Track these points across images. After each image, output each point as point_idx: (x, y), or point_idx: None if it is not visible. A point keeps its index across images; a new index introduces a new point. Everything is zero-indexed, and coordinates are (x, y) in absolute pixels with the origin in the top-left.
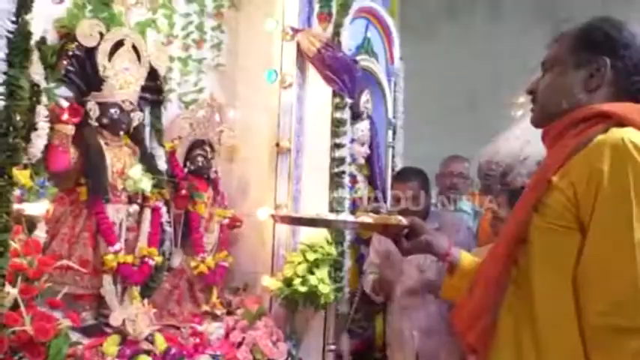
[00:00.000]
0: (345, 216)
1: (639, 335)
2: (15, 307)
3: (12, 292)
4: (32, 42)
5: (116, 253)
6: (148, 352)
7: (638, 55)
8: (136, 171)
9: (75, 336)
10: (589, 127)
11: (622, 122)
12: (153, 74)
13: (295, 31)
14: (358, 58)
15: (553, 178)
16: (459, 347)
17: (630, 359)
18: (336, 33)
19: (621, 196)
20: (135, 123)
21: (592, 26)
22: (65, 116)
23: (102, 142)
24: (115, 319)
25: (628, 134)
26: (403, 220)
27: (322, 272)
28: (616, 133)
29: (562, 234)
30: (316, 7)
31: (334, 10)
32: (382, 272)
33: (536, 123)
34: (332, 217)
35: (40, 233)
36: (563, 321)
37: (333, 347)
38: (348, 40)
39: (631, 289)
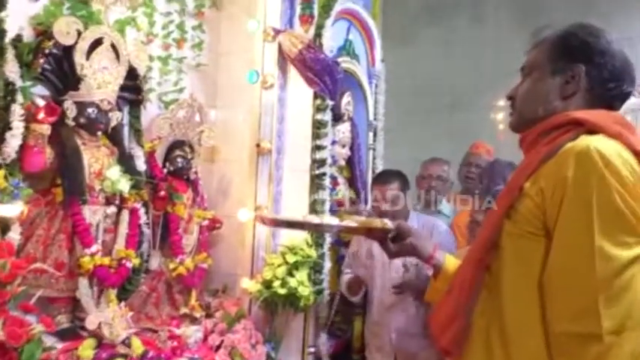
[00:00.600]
0: (330, 219)
1: (600, 342)
2: None
3: None
4: (7, 40)
5: (92, 255)
6: (124, 356)
7: (614, 62)
8: (114, 172)
9: (50, 340)
10: (562, 134)
11: (593, 129)
12: (132, 73)
13: (277, 32)
14: (340, 59)
15: (525, 184)
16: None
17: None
18: (318, 34)
19: (584, 203)
20: (113, 123)
21: (569, 33)
22: (41, 115)
23: (79, 142)
24: (90, 323)
25: (595, 142)
26: (389, 224)
27: (302, 274)
28: (583, 140)
29: (530, 240)
30: (298, 8)
31: (316, 12)
32: (353, 271)
33: (514, 128)
34: (319, 220)
35: (14, 235)
36: (530, 326)
37: (312, 349)
38: (330, 42)
39: (590, 297)
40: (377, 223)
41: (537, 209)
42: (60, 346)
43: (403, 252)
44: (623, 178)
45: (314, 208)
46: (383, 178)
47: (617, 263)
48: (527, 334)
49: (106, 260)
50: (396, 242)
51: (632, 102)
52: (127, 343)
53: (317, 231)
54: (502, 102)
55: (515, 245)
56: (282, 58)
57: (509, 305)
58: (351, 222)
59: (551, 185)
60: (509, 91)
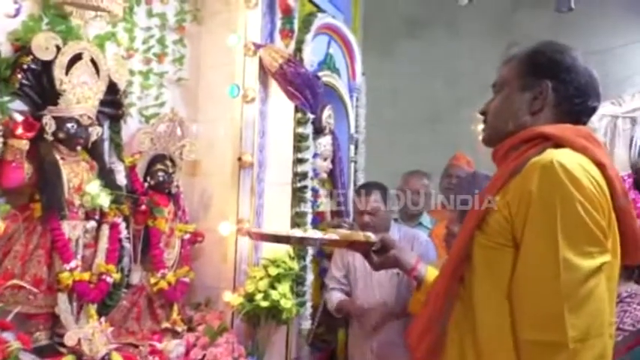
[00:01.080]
0: (314, 232)
1: (566, 349)
2: None
3: None
4: None
5: (72, 270)
6: None
7: (579, 78)
8: (94, 187)
9: (28, 358)
10: (529, 148)
11: (560, 143)
12: (112, 88)
13: (257, 46)
14: (320, 74)
15: (496, 198)
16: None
17: None
18: (298, 49)
19: (548, 216)
20: (93, 138)
21: (536, 51)
22: (19, 130)
23: (58, 157)
24: (69, 339)
25: (559, 156)
26: (372, 237)
27: (284, 287)
28: (548, 155)
29: (500, 251)
30: (278, 23)
31: (296, 27)
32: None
33: (486, 143)
34: (302, 234)
35: None
36: (501, 337)
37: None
38: (310, 56)
39: (556, 306)
40: (359, 236)
41: (505, 222)
42: None
43: (386, 264)
44: (586, 191)
45: (296, 221)
46: (364, 190)
47: (580, 273)
48: (499, 344)
49: (86, 275)
50: (380, 254)
51: (609, 109)
52: (107, 359)
53: (301, 244)
54: None
55: (486, 256)
56: (263, 72)
57: (481, 316)
58: (334, 235)
59: (517, 199)
60: (482, 106)
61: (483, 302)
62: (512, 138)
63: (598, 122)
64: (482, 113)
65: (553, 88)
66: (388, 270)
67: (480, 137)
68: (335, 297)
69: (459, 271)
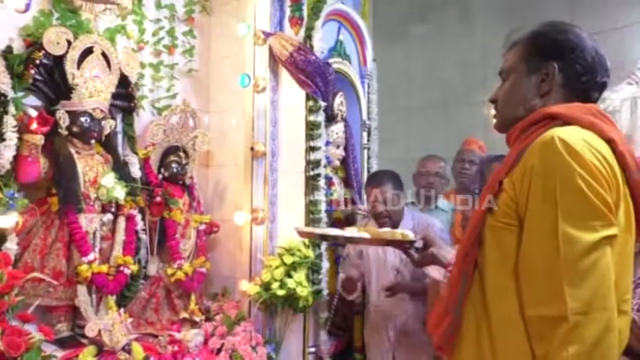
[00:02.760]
0: (360, 233)
1: (566, 322)
2: None
3: None
4: None
5: (90, 263)
6: None
7: (584, 56)
8: (109, 179)
9: (50, 348)
10: (538, 129)
11: (568, 122)
12: (124, 81)
13: (267, 35)
14: (331, 60)
15: (504, 179)
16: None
17: (559, 346)
18: (308, 36)
19: (548, 190)
20: (106, 131)
21: (538, 33)
22: (34, 126)
23: (73, 151)
24: (90, 330)
25: (560, 132)
26: (410, 235)
27: (300, 275)
28: (551, 131)
29: (507, 231)
30: (287, 10)
31: (305, 14)
32: (345, 272)
33: (499, 129)
34: (352, 233)
35: (11, 245)
36: (511, 317)
37: (312, 349)
38: (321, 43)
39: (557, 280)
40: (397, 235)
41: (511, 201)
42: (60, 354)
43: (425, 262)
44: (588, 165)
45: (310, 209)
46: (376, 179)
47: (580, 246)
48: (510, 324)
49: (104, 268)
50: (419, 252)
51: (628, 91)
52: (127, 349)
53: (347, 242)
54: None
55: (495, 238)
56: (274, 60)
57: (492, 297)
58: (365, 234)
59: (520, 176)
60: (492, 94)
61: (494, 283)
62: (522, 121)
63: (620, 105)
64: (493, 101)
65: (559, 68)
66: (403, 255)
67: (493, 123)
68: (340, 277)
69: (471, 254)
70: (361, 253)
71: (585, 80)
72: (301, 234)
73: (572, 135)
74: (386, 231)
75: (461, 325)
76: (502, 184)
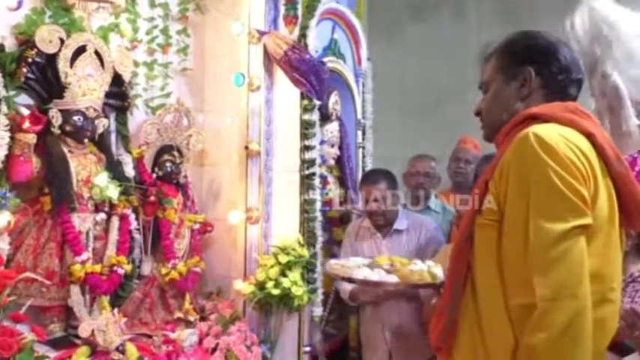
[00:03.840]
0: (390, 277)
1: (536, 309)
2: None
3: None
4: None
5: (83, 262)
6: None
7: (557, 57)
8: (102, 179)
9: (42, 349)
10: (520, 129)
11: (548, 120)
12: (117, 80)
13: (261, 33)
14: (325, 59)
15: (489, 180)
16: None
17: (529, 332)
18: (303, 35)
19: (522, 183)
20: (100, 130)
21: (511, 42)
22: (26, 124)
23: (65, 150)
24: (83, 330)
25: (536, 128)
26: (439, 275)
27: (295, 274)
28: (528, 128)
29: (491, 227)
30: (282, 9)
31: (300, 12)
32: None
33: (487, 138)
34: (381, 278)
35: (3, 245)
36: (499, 311)
37: (308, 349)
38: (315, 42)
39: (528, 270)
40: (426, 276)
41: (494, 198)
42: (53, 354)
43: None
44: (562, 158)
45: (304, 208)
46: (371, 178)
47: (549, 236)
48: (498, 320)
49: (98, 267)
50: None
51: None
52: (121, 349)
53: (376, 287)
54: None
55: (483, 235)
56: (268, 59)
57: (482, 294)
58: (393, 277)
59: (499, 174)
60: (475, 107)
61: (482, 280)
62: (506, 125)
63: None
64: (477, 114)
65: (536, 71)
66: (398, 252)
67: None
68: (347, 286)
69: (463, 253)
70: (357, 252)
71: (562, 79)
72: (329, 274)
73: (547, 130)
74: (414, 271)
75: (457, 325)
76: (488, 184)
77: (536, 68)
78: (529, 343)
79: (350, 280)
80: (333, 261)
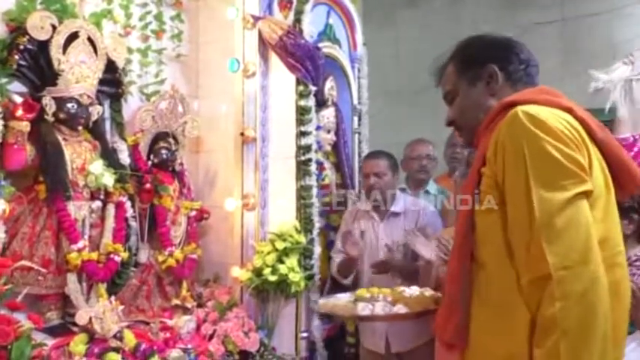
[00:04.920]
0: (399, 308)
1: (551, 280)
2: None
3: None
4: None
5: (80, 250)
6: (117, 350)
7: (513, 49)
8: (97, 166)
9: (40, 337)
10: (500, 119)
11: (526, 104)
12: (111, 66)
13: (256, 19)
14: (321, 45)
15: (482, 169)
16: (428, 328)
17: (547, 303)
18: (297, 20)
19: (518, 159)
20: (94, 117)
21: (465, 46)
22: (19, 112)
23: (60, 137)
24: (81, 318)
25: (522, 107)
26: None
27: (292, 261)
28: (514, 109)
29: (494, 213)
30: None
31: None
32: (346, 251)
33: (469, 143)
34: (389, 311)
35: None
36: (514, 294)
37: (305, 334)
38: (310, 27)
39: (538, 242)
40: (431, 304)
41: (491, 180)
42: (51, 342)
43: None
44: (554, 130)
45: (301, 194)
46: (373, 154)
47: (553, 205)
48: (514, 302)
49: (94, 255)
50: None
51: (622, 70)
52: (119, 336)
53: (385, 321)
54: None
55: (485, 221)
56: (263, 45)
57: (494, 279)
58: (402, 307)
59: (493, 155)
60: (446, 119)
61: (494, 266)
62: (485, 120)
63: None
64: (450, 123)
65: (499, 67)
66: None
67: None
68: (337, 259)
69: (467, 243)
70: (362, 234)
71: (525, 67)
72: (335, 316)
73: (534, 108)
74: (420, 297)
75: (470, 317)
76: (480, 172)
77: (499, 64)
78: (547, 314)
79: (360, 318)
80: (321, 301)
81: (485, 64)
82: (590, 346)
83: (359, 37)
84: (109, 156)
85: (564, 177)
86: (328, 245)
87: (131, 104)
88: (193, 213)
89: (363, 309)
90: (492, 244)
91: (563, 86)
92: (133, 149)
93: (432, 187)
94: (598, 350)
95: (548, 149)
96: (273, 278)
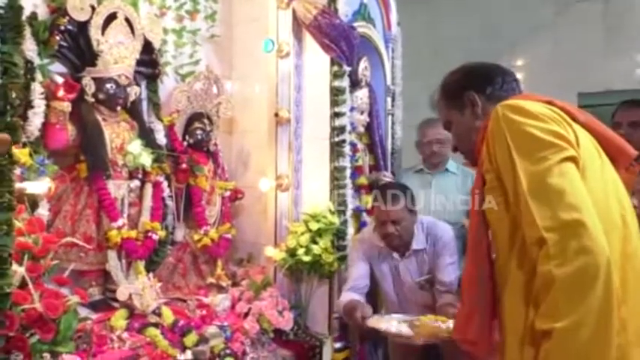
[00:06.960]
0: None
1: (544, 243)
2: (23, 285)
3: (19, 270)
4: (23, 17)
5: (119, 228)
6: (156, 325)
7: (481, 73)
8: (135, 146)
9: (83, 311)
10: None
11: None
12: (147, 47)
13: None
14: (355, 24)
15: (485, 175)
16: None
17: (542, 263)
18: None
19: (503, 146)
20: (132, 97)
21: (446, 84)
22: (61, 93)
23: (99, 117)
24: (121, 294)
25: (502, 103)
26: None
27: (325, 241)
28: (495, 108)
29: (502, 207)
30: None
31: None
32: (353, 318)
33: (473, 162)
34: (410, 333)
35: (43, 211)
36: (519, 299)
37: (338, 315)
38: (345, 7)
39: (528, 213)
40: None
41: (494, 176)
42: (93, 317)
43: None
44: (532, 112)
45: (334, 175)
46: (387, 195)
47: (536, 175)
48: (517, 309)
49: (133, 233)
50: None
51: None
52: (157, 312)
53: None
54: (520, 62)
55: (495, 214)
56: (297, 25)
57: (508, 279)
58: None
59: (486, 151)
60: (451, 146)
61: (506, 261)
62: (478, 138)
63: None
64: (455, 149)
65: (476, 91)
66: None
67: (522, 86)
68: (342, 302)
69: (481, 247)
70: (370, 258)
71: (501, 85)
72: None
73: (512, 100)
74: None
75: (494, 314)
76: (484, 177)
77: (475, 89)
78: (544, 271)
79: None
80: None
81: (465, 93)
82: (587, 300)
83: (393, 17)
84: (147, 136)
85: (542, 148)
86: (361, 226)
87: (167, 85)
88: (228, 193)
89: (401, 328)
90: (505, 236)
91: (606, 64)
92: (169, 129)
93: (451, 165)
94: (596, 305)
95: (526, 128)
96: (306, 258)
